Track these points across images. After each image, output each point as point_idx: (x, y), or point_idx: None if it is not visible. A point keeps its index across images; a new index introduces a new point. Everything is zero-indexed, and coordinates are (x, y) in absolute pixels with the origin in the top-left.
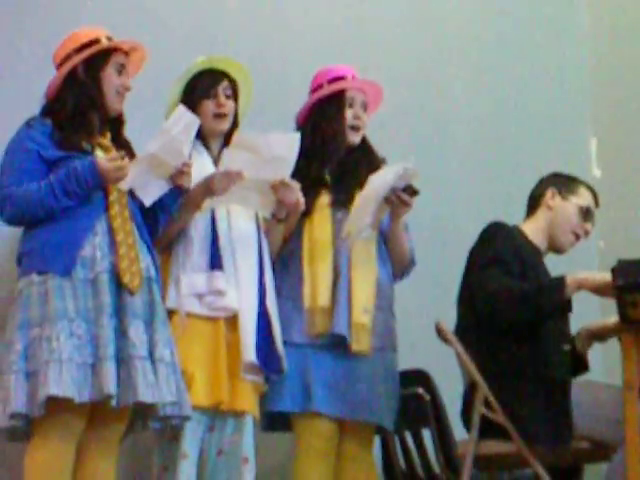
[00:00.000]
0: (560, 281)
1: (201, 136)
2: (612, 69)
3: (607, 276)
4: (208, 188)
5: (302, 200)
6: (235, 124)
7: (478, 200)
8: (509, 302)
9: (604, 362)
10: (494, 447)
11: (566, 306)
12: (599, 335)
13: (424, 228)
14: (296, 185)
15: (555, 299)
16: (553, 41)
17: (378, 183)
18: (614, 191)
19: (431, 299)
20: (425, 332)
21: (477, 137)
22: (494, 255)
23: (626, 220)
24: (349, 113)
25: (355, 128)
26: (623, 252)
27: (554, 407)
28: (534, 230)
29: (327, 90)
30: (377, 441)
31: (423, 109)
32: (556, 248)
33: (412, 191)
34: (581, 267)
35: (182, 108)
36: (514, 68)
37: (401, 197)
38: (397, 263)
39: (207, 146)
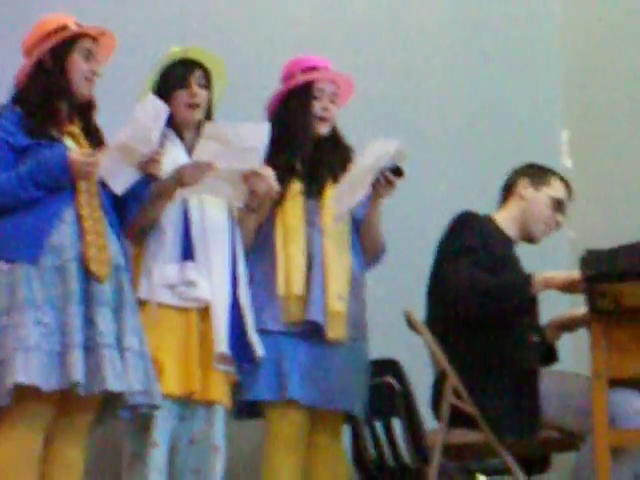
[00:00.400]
0: (527, 279)
1: (174, 126)
2: (584, 61)
3: (574, 273)
4: (179, 179)
5: (276, 187)
6: (209, 114)
7: (449, 189)
8: (476, 296)
9: (574, 352)
10: (464, 437)
11: (531, 304)
12: (568, 326)
13: (395, 217)
14: (269, 172)
15: (520, 297)
16: (526, 32)
17: (374, 157)
18: (585, 182)
19: (402, 288)
20: (396, 321)
21: (448, 127)
22: (464, 246)
23: (597, 211)
24: (317, 104)
25: (322, 119)
26: (594, 243)
27: (523, 398)
28: (506, 220)
29: (296, 80)
30: (348, 430)
31: (396, 100)
32: (528, 238)
33: (399, 172)
34: (552, 258)
35: (151, 96)
36: (487, 59)
37: (388, 177)
38: (370, 250)
39: (181, 136)
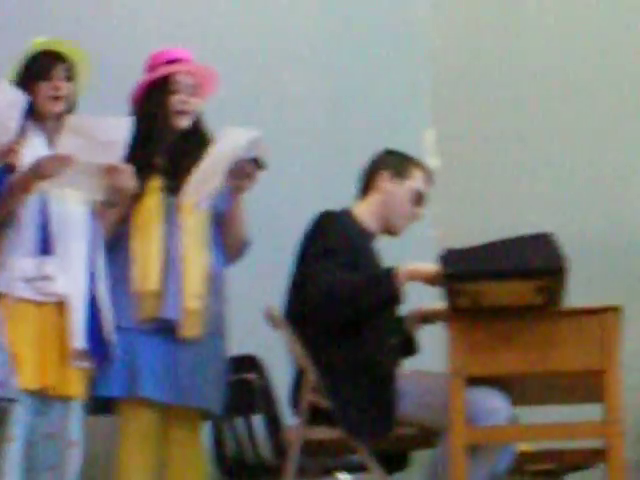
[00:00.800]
0: (390, 272)
1: (36, 118)
2: (452, 59)
3: (437, 266)
4: (37, 172)
5: (134, 184)
6: (71, 107)
7: (312, 184)
8: (341, 297)
9: (433, 350)
10: (322, 433)
11: (397, 297)
12: (428, 318)
13: (258, 212)
14: (128, 169)
15: (386, 291)
16: (393, 30)
17: (229, 146)
18: (451, 182)
19: (265, 284)
20: (258, 317)
21: (314, 123)
22: (325, 248)
23: (462, 210)
24: (175, 98)
25: (182, 113)
26: (459, 242)
27: (379, 395)
28: (366, 213)
29: (155, 73)
30: (209, 427)
31: (260, 94)
32: (389, 231)
33: (259, 164)
34: (415, 256)
35: (6, 85)
36: (353, 55)
37: (247, 169)
38: (233, 244)
39: (42, 128)
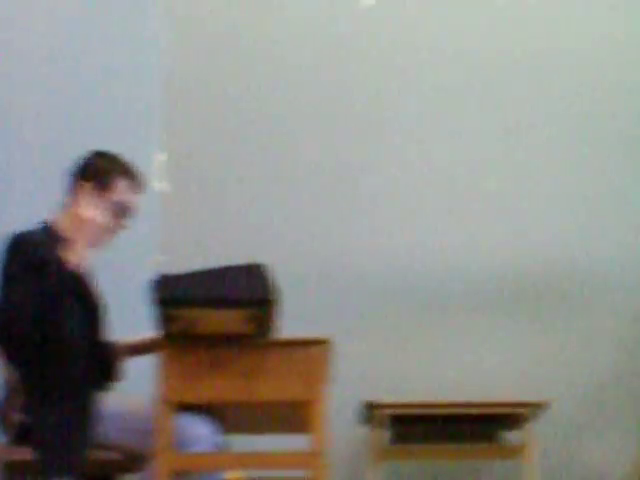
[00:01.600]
0: (58, 283)
1: None
2: (185, 82)
3: None
4: None
5: None
6: None
7: (44, 202)
8: (25, 324)
9: (139, 374)
10: (28, 454)
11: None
12: (136, 349)
13: None
14: None
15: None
16: (125, 50)
17: None
18: (178, 206)
19: None
20: None
21: (45, 142)
22: (10, 274)
23: (188, 235)
24: None
25: None
26: (184, 267)
27: (74, 421)
28: (67, 225)
29: None
30: None
31: None
32: (92, 244)
33: None
34: (141, 281)
35: None
36: (87, 73)
37: None
38: None
39: None
